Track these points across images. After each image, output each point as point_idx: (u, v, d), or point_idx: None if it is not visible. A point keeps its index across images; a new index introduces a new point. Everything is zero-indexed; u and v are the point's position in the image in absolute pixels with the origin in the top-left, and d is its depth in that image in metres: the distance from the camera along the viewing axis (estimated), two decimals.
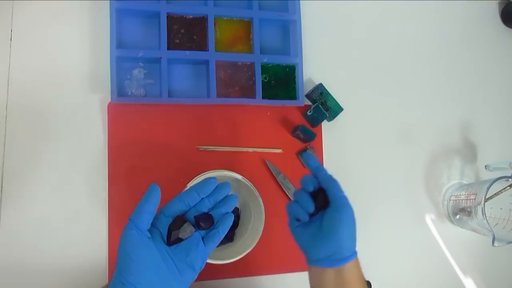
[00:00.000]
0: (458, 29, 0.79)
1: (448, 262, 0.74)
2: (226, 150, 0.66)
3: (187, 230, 0.46)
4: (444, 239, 0.74)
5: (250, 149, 0.67)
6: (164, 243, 0.45)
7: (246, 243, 0.61)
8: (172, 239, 0.46)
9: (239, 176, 0.60)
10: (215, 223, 0.49)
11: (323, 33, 0.73)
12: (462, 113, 0.77)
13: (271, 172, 0.67)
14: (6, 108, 0.61)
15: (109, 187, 0.62)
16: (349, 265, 0.48)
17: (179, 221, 0.47)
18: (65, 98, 0.63)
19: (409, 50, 0.76)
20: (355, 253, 0.49)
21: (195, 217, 0.48)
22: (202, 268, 0.47)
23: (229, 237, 0.65)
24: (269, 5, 0.70)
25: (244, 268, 0.65)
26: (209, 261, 0.57)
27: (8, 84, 0.61)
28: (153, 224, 0.46)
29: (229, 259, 0.59)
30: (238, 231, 0.66)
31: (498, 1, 0.82)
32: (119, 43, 0.63)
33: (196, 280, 0.63)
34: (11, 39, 0.62)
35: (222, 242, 0.65)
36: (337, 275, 0.48)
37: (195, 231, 0.47)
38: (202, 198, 0.49)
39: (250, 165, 0.66)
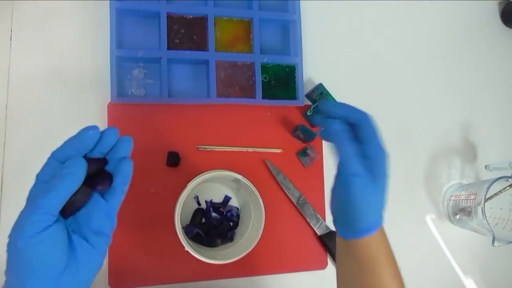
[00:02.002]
0: (458, 29, 0.79)
1: (448, 262, 0.74)
2: (226, 150, 0.66)
3: (82, 195, 0.40)
4: (444, 239, 0.74)
5: (250, 149, 0.67)
6: (60, 216, 0.39)
7: (246, 243, 0.61)
8: (67, 210, 0.39)
9: (239, 176, 0.60)
10: (113, 176, 0.42)
11: (323, 33, 0.73)
12: (462, 113, 0.77)
13: (271, 172, 0.67)
14: (6, 108, 0.61)
15: None
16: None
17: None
18: (65, 98, 0.63)
19: (409, 50, 0.76)
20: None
21: (86, 177, 0.39)
22: (114, 227, 0.42)
23: (229, 237, 0.65)
24: (269, 5, 0.70)
25: (244, 268, 0.65)
26: (209, 261, 0.57)
27: (8, 84, 0.61)
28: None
29: (229, 259, 0.59)
30: (238, 231, 0.66)
31: (498, 1, 0.82)
32: (119, 43, 0.63)
33: (196, 280, 0.64)
34: (11, 39, 0.62)
35: (222, 242, 0.65)
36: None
37: (93, 193, 0.41)
38: (85, 155, 0.42)
39: (250, 165, 0.66)
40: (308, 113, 0.67)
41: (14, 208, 0.59)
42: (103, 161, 0.42)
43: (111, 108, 0.63)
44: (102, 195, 0.41)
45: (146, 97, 0.64)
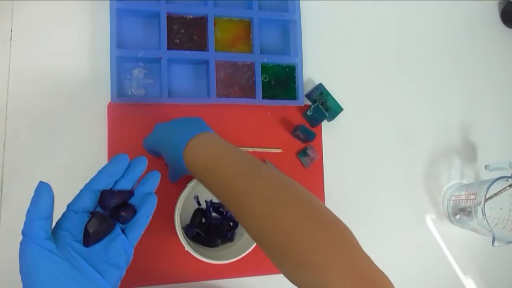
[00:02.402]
0: (458, 29, 0.79)
1: (448, 262, 0.74)
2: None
3: (106, 226, 0.41)
4: (444, 239, 0.74)
5: (250, 149, 0.67)
6: (79, 244, 0.40)
7: (246, 243, 0.61)
8: (90, 239, 0.40)
9: None
10: (136, 208, 0.44)
11: (323, 33, 0.73)
12: (462, 113, 0.77)
13: None
14: (6, 108, 0.61)
15: None
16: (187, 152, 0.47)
17: (96, 217, 0.41)
18: (65, 98, 0.63)
19: (409, 50, 0.76)
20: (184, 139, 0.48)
21: (112, 208, 0.42)
22: (130, 261, 0.42)
23: (229, 237, 0.65)
24: (269, 5, 0.70)
25: (244, 268, 0.65)
26: (209, 261, 0.57)
27: (8, 84, 0.61)
28: (60, 226, 0.41)
29: (229, 259, 0.59)
30: (238, 231, 0.66)
31: (498, 1, 0.82)
32: (119, 43, 0.63)
33: (196, 280, 0.64)
34: (11, 39, 0.62)
35: (222, 242, 0.65)
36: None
37: (115, 224, 0.42)
38: (116, 182, 0.43)
39: None
40: (308, 113, 0.68)
41: (14, 208, 0.60)
42: (129, 193, 0.44)
43: (111, 108, 0.63)
44: (123, 229, 0.42)
45: (146, 97, 0.64)
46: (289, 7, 0.70)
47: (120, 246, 0.41)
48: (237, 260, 0.59)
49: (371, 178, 0.72)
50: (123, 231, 0.43)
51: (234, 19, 0.68)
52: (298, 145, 0.69)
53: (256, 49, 0.67)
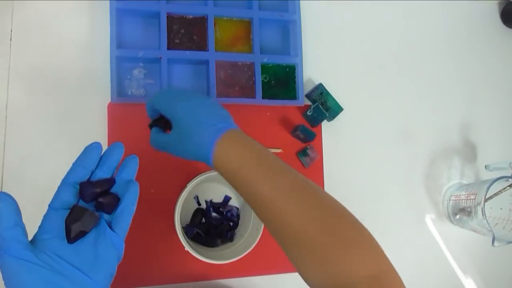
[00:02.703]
0: (458, 29, 0.79)
1: (448, 262, 0.74)
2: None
3: (89, 219, 0.38)
4: (444, 239, 0.74)
5: None
6: (63, 244, 0.38)
7: (246, 243, 0.61)
8: (72, 236, 0.38)
9: None
10: (120, 198, 0.41)
11: (323, 33, 0.73)
12: (462, 113, 0.77)
13: None
14: (6, 108, 0.61)
15: None
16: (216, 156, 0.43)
17: (76, 211, 0.38)
18: (65, 98, 0.63)
19: (409, 50, 0.76)
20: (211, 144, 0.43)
21: (92, 198, 0.39)
22: (121, 258, 0.40)
23: (229, 237, 0.65)
24: (269, 5, 0.70)
25: (244, 268, 0.65)
26: (209, 261, 0.57)
27: (8, 84, 0.61)
28: (42, 228, 0.39)
29: (229, 259, 0.59)
30: (238, 231, 0.66)
31: (498, 1, 0.82)
32: (119, 43, 0.63)
33: (196, 280, 0.64)
34: (11, 39, 0.62)
35: (222, 242, 0.65)
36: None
37: (100, 217, 0.40)
38: (92, 172, 0.41)
39: None
40: (308, 113, 0.67)
41: None
42: (110, 181, 0.42)
43: (111, 108, 0.63)
44: (109, 224, 0.40)
45: (146, 97, 0.64)
46: (289, 7, 0.70)
47: (108, 241, 0.39)
48: (237, 260, 0.59)
49: (371, 178, 0.72)
50: (109, 225, 0.40)
51: (234, 19, 0.68)
52: (298, 145, 0.69)
53: (256, 49, 0.67)
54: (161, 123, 0.50)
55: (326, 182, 0.69)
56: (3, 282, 0.36)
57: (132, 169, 0.44)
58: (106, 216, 0.41)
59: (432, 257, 0.74)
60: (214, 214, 0.66)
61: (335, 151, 0.71)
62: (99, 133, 0.63)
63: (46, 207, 0.41)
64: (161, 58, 0.63)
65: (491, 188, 0.64)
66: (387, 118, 0.74)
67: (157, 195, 0.63)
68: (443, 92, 0.77)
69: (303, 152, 0.68)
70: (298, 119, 0.69)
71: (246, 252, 0.59)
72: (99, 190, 0.41)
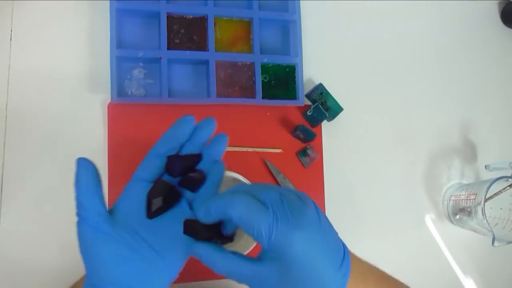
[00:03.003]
0: (458, 29, 0.79)
1: (448, 262, 0.74)
2: (226, 150, 0.66)
3: (172, 196, 0.36)
4: (444, 239, 0.74)
5: (250, 149, 0.67)
6: (141, 218, 0.36)
7: (246, 243, 0.61)
8: (153, 210, 0.36)
9: (239, 176, 0.60)
10: (205, 176, 0.38)
11: (323, 33, 0.73)
12: (462, 113, 0.77)
13: (271, 172, 0.67)
14: (6, 108, 0.61)
15: (109, 187, 0.62)
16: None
17: (160, 185, 0.37)
18: (65, 98, 0.63)
19: (408, 50, 0.76)
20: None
21: (179, 174, 0.37)
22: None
23: (229, 237, 0.65)
24: (269, 5, 0.70)
25: None
26: None
27: (8, 84, 0.61)
28: (123, 199, 0.38)
29: None
30: (238, 231, 0.66)
31: (498, 1, 0.82)
32: (119, 43, 0.63)
33: (196, 280, 0.64)
34: (11, 39, 0.62)
35: (223, 242, 0.65)
36: None
37: (182, 195, 0.37)
38: (181, 145, 0.39)
39: (250, 165, 0.66)
40: (308, 113, 0.68)
41: (14, 208, 0.60)
42: (197, 157, 0.39)
43: (111, 108, 0.63)
44: (190, 204, 0.38)
45: (146, 97, 0.64)
46: (289, 7, 0.70)
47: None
48: None
49: (371, 178, 0.72)
50: (189, 205, 0.37)
51: (234, 19, 0.68)
52: (298, 145, 0.69)
53: (256, 49, 0.67)
54: (216, 234, 0.38)
55: (326, 182, 0.69)
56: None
57: (220, 148, 0.41)
58: (188, 194, 0.38)
59: (432, 257, 0.74)
60: None
61: (335, 151, 0.71)
62: (99, 133, 0.63)
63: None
64: (161, 58, 0.63)
65: (491, 188, 0.64)
66: (387, 118, 0.74)
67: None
68: (443, 92, 0.77)
69: (303, 152, 0.68)
70: (298, 119, 0.69)
71: (246, 252, 0.59)
72: (186, 165, 0.38)
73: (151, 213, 0.36)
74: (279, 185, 0.67)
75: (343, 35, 0.74)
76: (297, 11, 0.69)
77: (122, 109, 0.63)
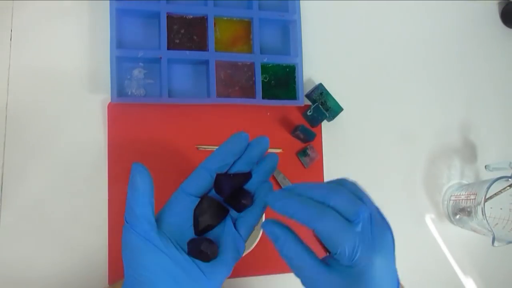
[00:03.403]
0: (458, 29, 0.79)
1: (448, 262, 0.74)
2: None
3: (218, 213, 0.36)
4: (444, 239, 0.74)
5: None
6: (187, 233, 0.36)
7: (246, 243, 0.61)
8: (200, 228, 0.36)
9: None
10: (253, 200, 0.37)
11: (323, 33, 0.73)
12: (462, 113, 0.77)
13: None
14: (6, 108, 0.61)
15: (109, 187, 0.62)
16: None
17: (208, 202, 0.36)
18: (65, 98, 0.63)
19: (409, 50, 0.76)
20: None
21: (228, 194, 0.36)
22: (238, 259, 0.38)
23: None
24: (269, 5, 0.70)
25: (244, 268, 0.65)
26: None
27: (8, 84, 0.61)
28: (169, 210, 0.37)
29: None
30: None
31: (498, 1, 0.82)
32: (119, 43, 0.63)
33: None
34: (11, 39, 0.62)
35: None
36: None
37: (228, 212, 0.37)
38: (233, 163, 0.38)
39: None
40: (308, 113, 0.68)
41: (14, 208, 0.60)
42: (247, 176, 0.39)
43: (111, 108, 0.63)
44: (234, 222, 0.37)
45: (146, 97, 0.64)
46: (289, 7, 0.70)
47: (231, 241, 0.36)
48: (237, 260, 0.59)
49: (371, 178, 0.72)
50: (234, 223, 0.37)
51: (234, 19, 0.68)
52: (298, 145, 0.69)
53: (256, 49, 0.67)
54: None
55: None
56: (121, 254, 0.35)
57: (270, 169, 0.40)
58: (232, 212, 0.38)
59: (432, 257, 0.74)
60: None
61: (335, 151, 0.71)
62: (99, 133, 0.63)
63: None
64: (161, 58, 0.63)
65: (491, 188, 0.64)
66: (387, 118, 0.74)
67: (157, 195, 0.63)
68: (443, 92, 0.77)
69: (303, 152, 0.68)
70: (298, 119, 0.69)
71: (246, 252, 0.59)
72: (235, 185, 0.37)
73: (199, 231, 0.36)
74: (279, 185, 0.67)
75: (343, 35, 0.74)
76: (297, 11, 0.69)
77: (122, 109, 0.63)
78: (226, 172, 0.38)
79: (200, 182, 0.38)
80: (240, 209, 0.38)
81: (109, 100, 0.62)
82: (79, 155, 0.62)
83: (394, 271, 0.37)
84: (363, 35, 0.75)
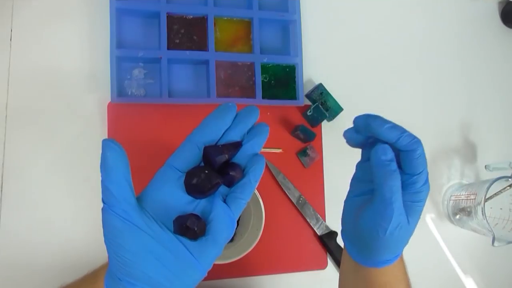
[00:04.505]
0: (458, 29, 0.79)
1: (448, 262, 0.74)
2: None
3: (211, 180, 0.33)
4: (444, 239, 0.74)
5: None
6: (175, 211, 0.34)
7: (246, 243, 0.61)
8: (187, 183, 0.33)
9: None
10: (243, 173, 0.35)
11: (323, 33, 0.73)
12: (462, 113, 0.77)
13: (271, 172, 0.67)
14: (6, 108, 0.61)
15: None
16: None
17: (200, 169, 0.34)
18: (65, 98, 0.63)
19: (409, 50, 0.76)
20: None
21: (218, 166, 0.34)
22: (230, 238, 0.35)
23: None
24: (269, 5, 0.70)
25: (244, 268, 0.65)
26: None
27: (8, 84, 0.61)
28: (153, 186, 0.35)
29: (229, 259, 0.59)
30: (238, 231, 0.66)
31: (498, 1, 0.82)
32: (119, 43, 0.63)
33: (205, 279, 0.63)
34: (11, 39, 0.62)
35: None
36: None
37: (219, 184, 0.34)
38: (220, 136, 0.36)
39: None
40: (308, 113, 0.68)
41: (14, 208, 0.60)
42: (237, 146, 0.36)
43: (111, 108, 0.63)
44: (224, 199, 0.35)
45: (146, 97, 0.64)
46: (289, 7, 0.70)
47: (221, 217, 0.33)
48: (237, 260, 0.59)
49: None
50: (224, 200, 0.35)
51: (234, 19, 0.68)
52: (298, 145, 0.69)
53: (256, 49, 0.67)
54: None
55: (326, 182, 0.69)
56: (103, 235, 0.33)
57: (261, 140, 0.37)
58: (221, 188, 0.35)
59: (432, 257, 0.74)
60: None
61: (335, 151, 0.70)
62: (99, 133, 0.63)
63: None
64: (161, 58, 0.63)
65: (491, 188, 0.64)
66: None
67: None
68: (443, 92, 0.77)
69: (303, 152, 0.68)
70: (298, 119, 0.69)
71: (246, 252, 0.59)
72: (226, 156, 0.35)
73: (191, 186, 0.33)
74: (279, 185, 0.67)
75: (343, 35, 0.74)
76: (297, 11, 0.69)
77: (122, 109, 0.63)
78: (215, 144, 0.36)
79: (188, 155, 0.35)
80: (230, 182, 0.35)
81: (109, 100, 0.62)
82: (79, 155, 0.62)
83: None
84: (363, 35, 0.75)
